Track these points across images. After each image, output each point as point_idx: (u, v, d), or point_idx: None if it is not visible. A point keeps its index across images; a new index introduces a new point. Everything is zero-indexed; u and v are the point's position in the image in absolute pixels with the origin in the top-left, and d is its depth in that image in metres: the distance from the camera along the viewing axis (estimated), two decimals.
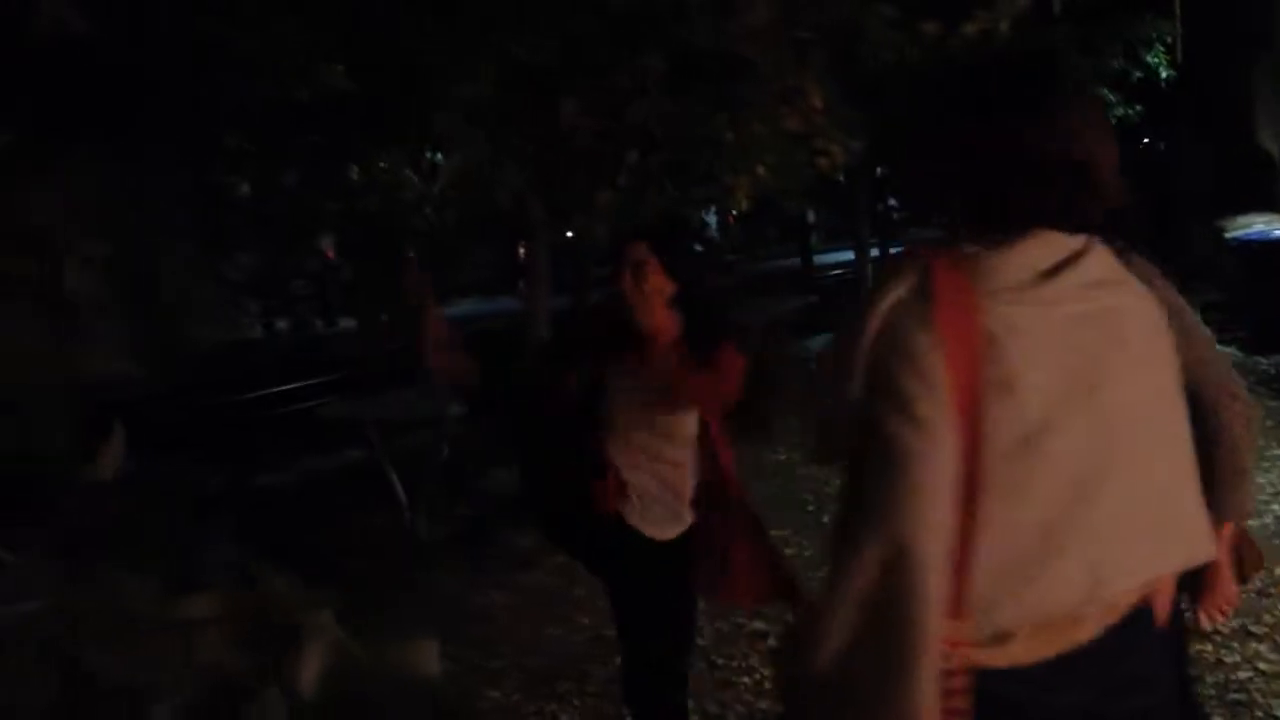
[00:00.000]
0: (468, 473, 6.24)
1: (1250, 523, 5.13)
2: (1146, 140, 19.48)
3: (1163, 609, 1.49)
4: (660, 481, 2.86)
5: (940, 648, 1.27)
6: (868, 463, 1.32)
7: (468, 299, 24.56)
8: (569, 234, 9.04)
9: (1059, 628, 1.36)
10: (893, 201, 13.68)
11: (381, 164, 6.52)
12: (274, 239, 8.00)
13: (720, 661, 4.20)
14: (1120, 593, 1.38)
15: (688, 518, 2.91)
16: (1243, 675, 3.64)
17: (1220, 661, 3.74)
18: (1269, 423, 7.07)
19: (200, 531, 4.06)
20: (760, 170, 6.01)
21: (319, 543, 5.49)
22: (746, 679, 4.03)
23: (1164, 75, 12.92)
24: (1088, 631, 1.37)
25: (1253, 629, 3.98)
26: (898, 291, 1.36)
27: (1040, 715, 1.37)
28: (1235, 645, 3.86)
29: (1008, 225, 1.39)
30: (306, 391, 9.38)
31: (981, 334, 1.31)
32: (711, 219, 13.29)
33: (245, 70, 3.47)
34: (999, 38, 5.48)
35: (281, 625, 2.90)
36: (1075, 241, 1.40)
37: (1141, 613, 1.43)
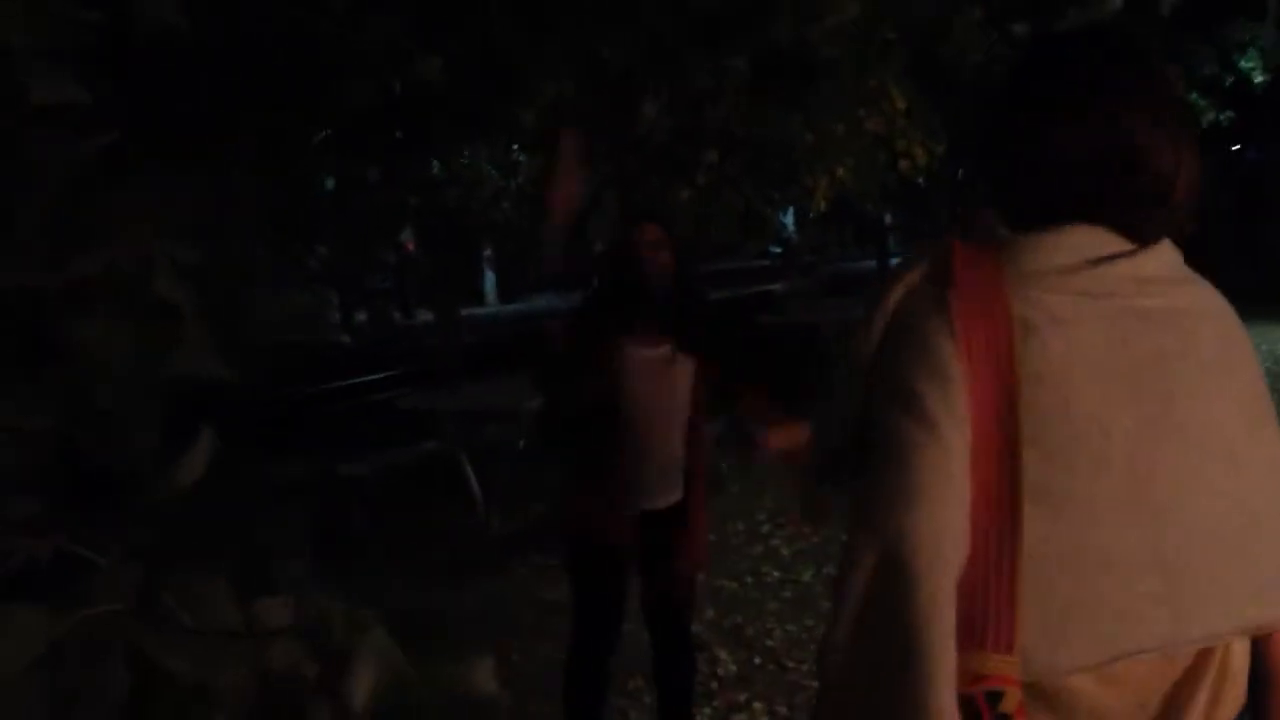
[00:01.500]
0: (543, 466, 6.29)
1: None
2: (1237, 147, 18.98)
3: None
4: (667, 451, 3.07)
5: (988, 689, 1.11)
6: (868, 461, 1.19)
7: (543, 294, 24.72)
8: None
9: (1121, 675, 1.15)
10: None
11: (463, 159, 6.60)
12: (355, 232, 8.14)
13: (790, 664, 4.20)
14: (1207, 638, 1.17)
15: (681, 487, 3.13)
16: None
17: None
18: None
19: (276, 532, 4.15)
20: (840, 172, 5.98)
21: (395, 535, 5.59)
22: (817, 683, 4.01)
23: (1258, 80, 12.57)
24: (1156, 683, 1.17)
25: None
26: (912, 277, 1.24)
27: None
28: None
29: (1050, 217, 1.23)
30: (384, 383, 9.54)
31: (1013, 323, 1.16)
32: (789, 219, 13.21)
33: (342, 66, 3.53)
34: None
35: (338, 639, 2.97)
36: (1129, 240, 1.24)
37: (1220, 662, 1.20)
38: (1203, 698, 1.18)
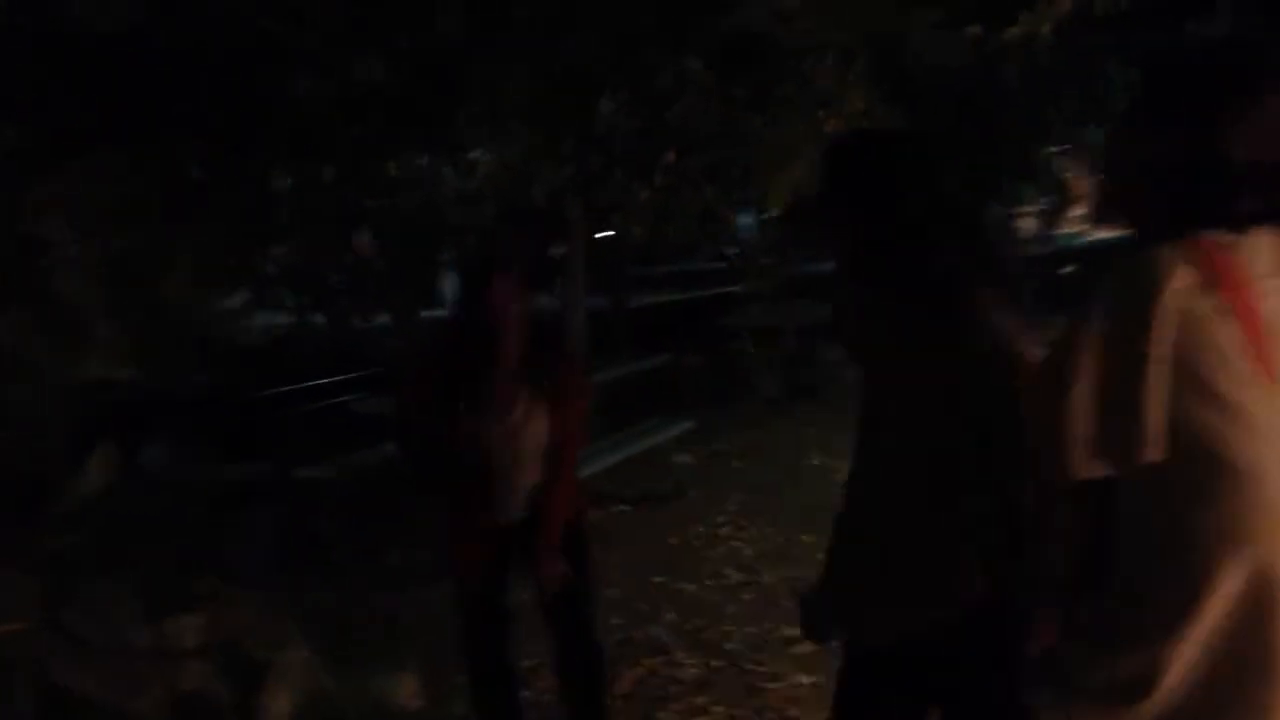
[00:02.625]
0: None
1: None
2: None
3: None
4: (524, 480, 3.15)
5: None
6: (1190, 475, 1.20)
7: None
8: (607, 233, 9.05)
9: None
10: None
11: (420, 161, 6.54)
12: (312, 234, 8.05)
13: (750, 667, 4.19)
14: None
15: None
16: None
17: None
18: None
19: (216, 537, 4.09)
20: (797, 173, 5.98)
21: (357, 538, 5.52)
22: (777, 685, 4.01)
23: None
24: None
25: None
26: (1179, 280, 1.23)
27: None
28: None
29: (1237, 223, 1.28)
30: (344, 386, 9.46)
31: (1271, 320, 1.22)
32: (749, 220, 13.21)
33: (281, 65, 3.48)
34: (1042, 41, 5.43)
35: (255, 657, 2.92)
36: None
37: None
38: None
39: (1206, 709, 1.17)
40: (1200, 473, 1.19)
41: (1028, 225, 23.56)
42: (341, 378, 10.40)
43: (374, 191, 6.90)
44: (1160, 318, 1.21)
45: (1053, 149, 14.15)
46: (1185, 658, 1.16)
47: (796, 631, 4.39)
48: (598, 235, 8.89)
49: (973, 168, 11.60)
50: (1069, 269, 22.78)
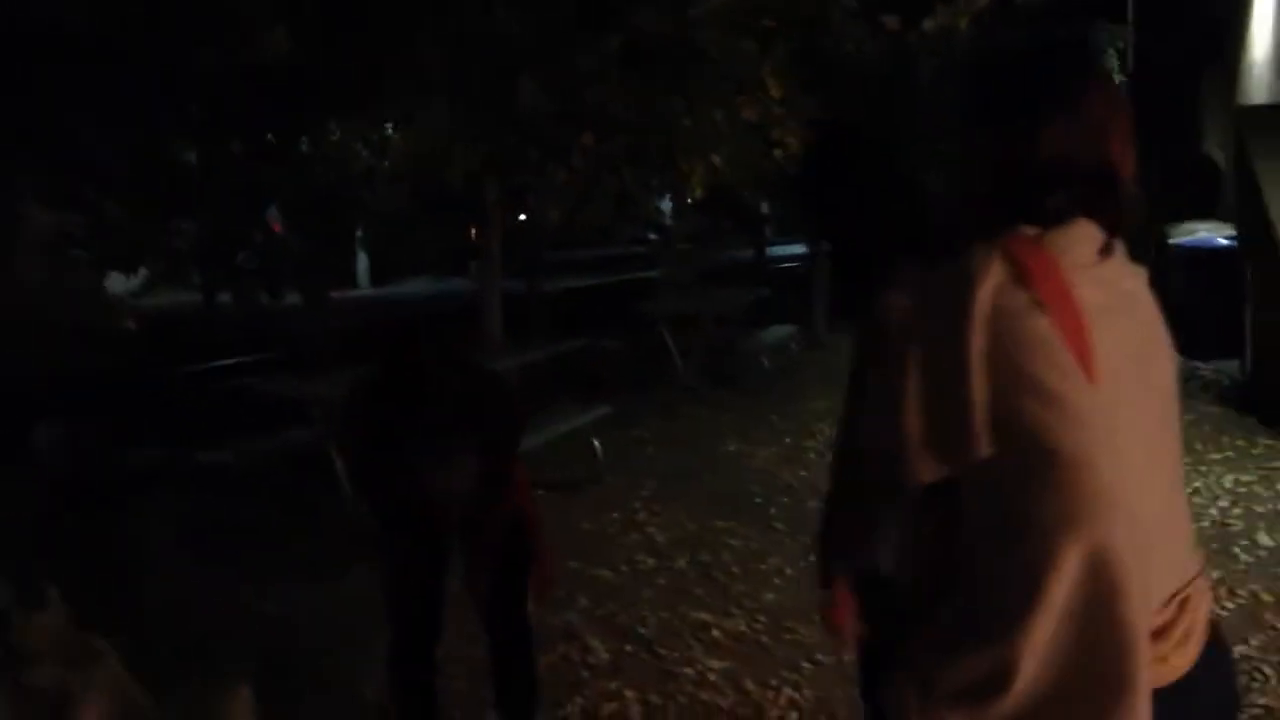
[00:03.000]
0: None
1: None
2: None
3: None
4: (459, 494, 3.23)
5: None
6: (1020, 467, 1.22)
7: (419, 279, 24.25)
8: (521, 217, 8.96)
9: (1177, 623, 1.29)
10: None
11: (332, 136, 6.39)
12: (219, 209, 7.82)
13: (663, 652, 4.18)
14: (1194, 574, 1.33)
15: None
16: None
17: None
18: (1205, 428, 7.19)
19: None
20: (716, 159, 5.98)
21: (259, 525, 5.38)
22: (689, 669, 4.01)
23: (1117, 81, 13.09)
24: (1198, 632, 1.31)
25: None
26: (992, 278, 1.26)
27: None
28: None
29: (1048, 219, 1.32)
30: (249, 367, 9.22)
31: (1083, 308, 1.26)
32: (666, 206, 13.21)
33: (185, 34, 3.36)
34: (958, 34, 5.50)
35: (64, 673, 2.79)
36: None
37: (1218, 626, 1.39)
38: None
39: (1062, 695, 1.20)
40: (1031, 463, 1.22)
41: None
42: (248, 359, 10.17)
43: (284, 167, 6.72)
44: (974, 315, 1.23)
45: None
46: (1036, 648, 1.19)
47: (709, 616, 4.46)
48: (516, 219, 8.81)
49: (888, 162, 11.77)
50: None
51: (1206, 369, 9.11)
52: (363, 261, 26.03)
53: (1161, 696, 1.22)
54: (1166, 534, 1.29)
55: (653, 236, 20.57)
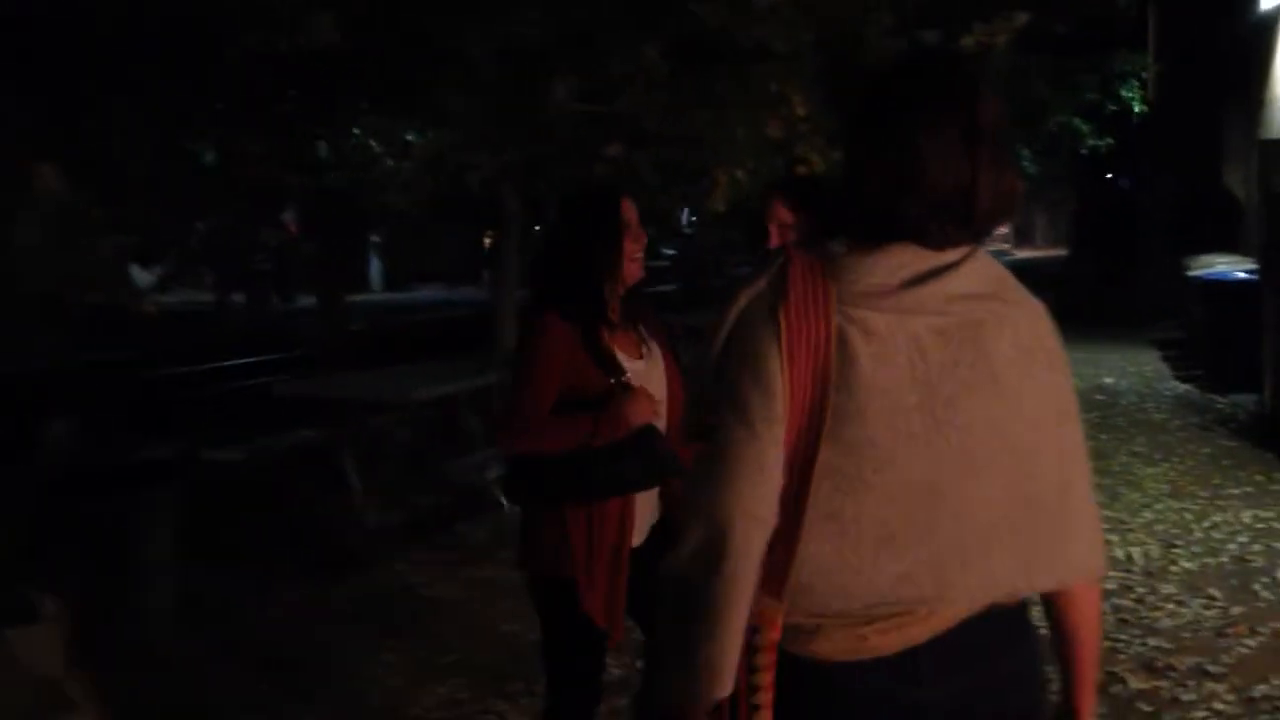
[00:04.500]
0: (429, 460, 6.11)
1: (1207, 560, 5.16)
2: (1111, 175, 19.69)
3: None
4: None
5: (749, 624, 1.36)
6: (703, 448, 1.41)
7: (429, 285, 24.28)
8: (538, 227, 8.93)
9: (901, 620, 1.40)
10: None
11: (353, 138, 6.36)
12: (235, 208, 7.81)
13: None
14: (970, 601, 1.41)
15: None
16: (1198, 715, 3.61)
17: (1175, 700, 3.71)
18: (1224, 462, 7.11)
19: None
20: (740, 174, 5.94)
21: (266, 525, 5.34)
22: None
23: (1136, 110, 13.05)
24: (936, 626, 1.41)
25: (1210, 668, 3.96)
26: (757, 288, 1.41)
27: (903, 707, 1.41)
28: (1191, 684, 3.84)
29: (878, 234, 1.41)
30: (261, 368, 9.17)
31: (832, 335, 1.36)
32: (683, 218, 13.22)
33: (230, 21, 3.31)
34: (996, 51, 5.46)
35: None
36: (951, 254, 1.41)
37: (1013, 613, 1.47)
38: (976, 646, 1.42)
39: (678, 619, 1.39)
40: (708, 452, 1.40)
41: None
42: (266, 358, 10.14)
43: (302, 169, 6.70)
44: (726, 319, 1.41)
45: None
46: (674, 576, 1.39)
47: None
48: (534, 228, 8.77)
49: None
50: None
51: (1223, 402, 9.03)
52: (375, 266, 26.10)
53: (863, 666, 1.40)
54: (952, 547, 1.38)
55: (670, 252, 20.56)
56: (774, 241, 2.78)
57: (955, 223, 1.40)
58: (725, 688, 1.35)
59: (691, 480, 1.45)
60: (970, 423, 1.38)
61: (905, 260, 1.40)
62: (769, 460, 1.36)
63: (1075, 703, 1.58)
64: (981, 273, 1.43)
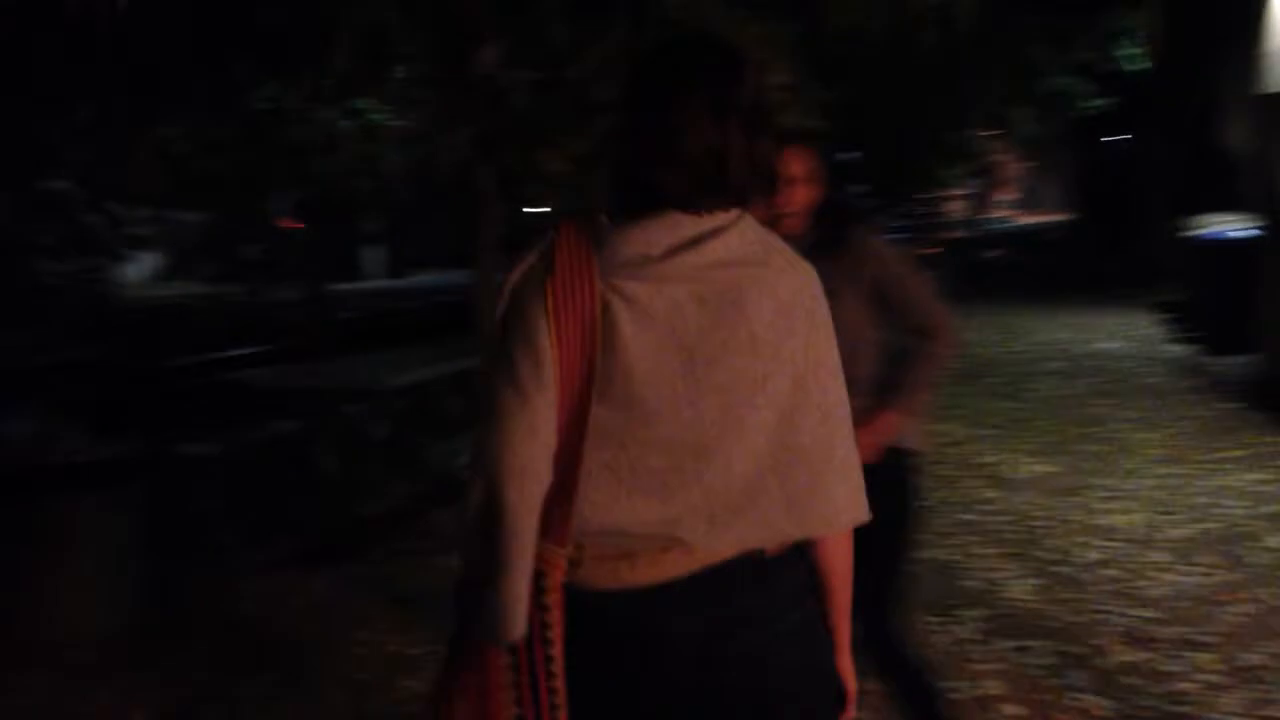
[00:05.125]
0: (406, 449, 6.03)
1: (1199, 526, 5.06)
2: (1107, 138, 19.47)
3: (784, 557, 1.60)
4: None
5: (536, 569, 1.48)
6: (483, 412, 1.52)
7: (425, 270, 24.19)
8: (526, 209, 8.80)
9: (659, 557, 1.52)
10: (856, 187, 13.56)
11: (321, 115, 6.23)
12: (218, 198, 7.72)
13: None
14: (740, 543, 1.53)
15: None
16: (1185, 685, 3.52)
17: (1162, 672, 3.62)
18: (1221, 425, 7.00)
19: None
20: None
21: (243, 517, 5.27)
22: None
23: (1132, 69, 12.84)
24: (692, 564, 1.52)
25: (1196, 638, 3.87)
26: (529, 263, 1.53)
27: (651, 633, 1.53)
28: (1178, 654, 3.75)
29: (639, 206, 1.51)
30: (241, 360, 9.10)
31: (596, 304, 1.47)
32: None
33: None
34: (962, 8, 5.31)
35: None
36: (710, 221, 1.52)
37: (775, 560, 1.58)
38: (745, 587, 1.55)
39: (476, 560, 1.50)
40: (487, 406, 1.52)
41: (956, 208, 23.77)
42: (243, 351, 10.07)
43: (278, 153, 6.59)
44: (505, 288, 1.54)
45: (979, 132, 14.20)
46: (471, 519, 1.51)
47: None
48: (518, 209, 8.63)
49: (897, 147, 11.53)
50: (994, 253, 23.01)
51: (1222, 365, 8.91)
52: (380, 254, 26.01)
53: (623, 594, 1.52)
54: (717, 496, 1.50)
55: None
56: (788, 201, 2.64)
57: (712, 190, 1.50)
58: (517, 628, 1.47)
59: (474, 441, 1.53)
60: (731, 382, 1.50)
61: (665, 230, 1.51)
62: (540, 422, 1.48)
63: (835, 641, 1.71)
64: (744, 239, 1.54)
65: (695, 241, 1.50)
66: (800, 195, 2.68)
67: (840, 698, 1.73)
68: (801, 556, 1.63)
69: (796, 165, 2.67)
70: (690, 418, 1.49)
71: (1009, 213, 35.85)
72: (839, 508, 1.58)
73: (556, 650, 1.50)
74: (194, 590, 4.58)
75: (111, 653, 4.02)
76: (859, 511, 1.60)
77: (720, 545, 1.52)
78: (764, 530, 1.54)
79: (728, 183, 1.51)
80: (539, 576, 1.48)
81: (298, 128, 6.51)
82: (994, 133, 15.32)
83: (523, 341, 1.49)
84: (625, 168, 1.55)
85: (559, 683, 1.50)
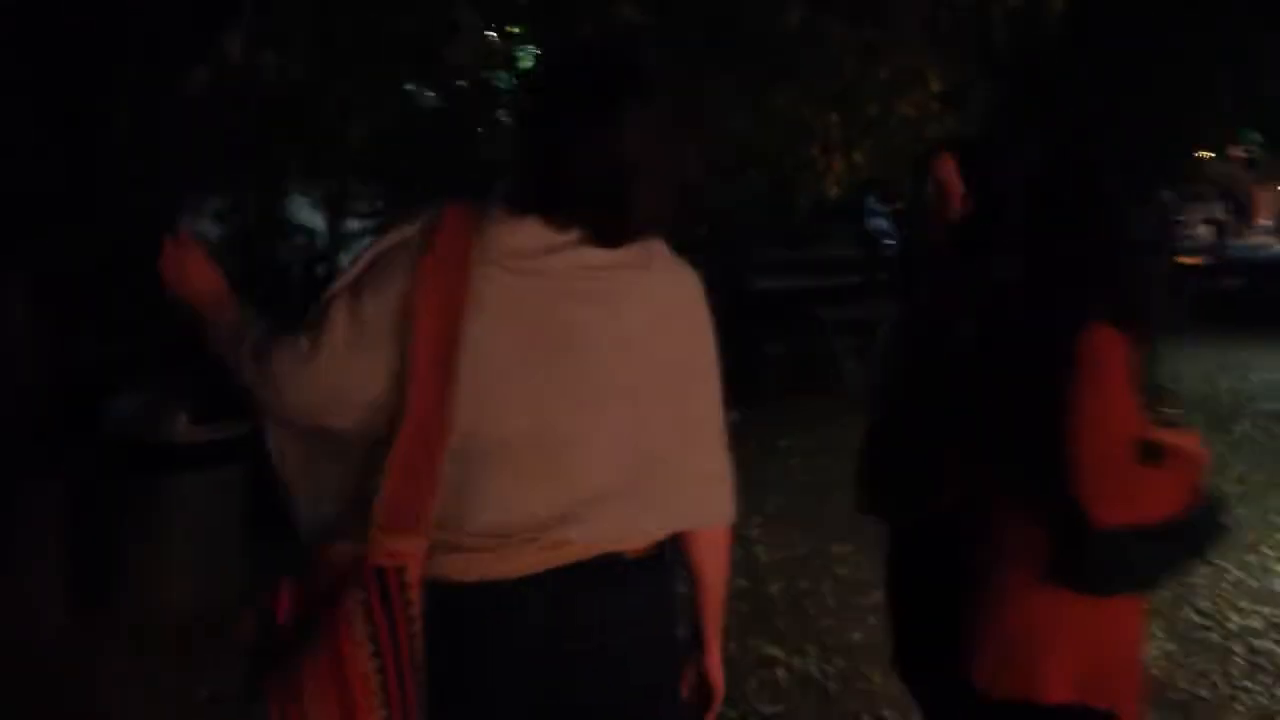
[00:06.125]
0: None
1: None
2: None
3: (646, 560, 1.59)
4: None
5: (395, 564, 1.46)
6: (298, 339, 1.55)
7: None
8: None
9: (513, 551, 1.50)
10: None
11: None
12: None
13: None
14: (595, 539, 1.53)
15: None
16: None
17: None
18: None
19: None
20: (857, 156, 5.53)
21: None
22: (731, 712, 3.67)
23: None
24: (550, 561, 1.51)
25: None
26: (406, 234, 1.52)
27: (501, 628, 1.52)
28: None
29: (530, 205, 1.50)
30: None
31: (467, 289, 1.47)
32: (877, 207, 12.71)
33: None
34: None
35: None
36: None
37: (621, 562, 1.56)
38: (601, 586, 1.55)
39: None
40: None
41: (1201, 233, 21.98)
42: None
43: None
44: (373, 252, 1.54)
45: (1209, 154, 13.00)
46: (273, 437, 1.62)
47: (779, 652, 4.07)
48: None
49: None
50: (1235, 282, 21.08)
51: None
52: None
53: (479, 587, 1.51)
54: (577, 490, 1.51)
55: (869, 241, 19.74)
56: (941, 212, 2.37)
57: (600, 205, 1.49)
58: None
59: (277, 352, 1.56)
60: (598, 380, 1.51)
61: (550, 230, 1.50)
62: (320, 378, 1.51)
63: (703, 642, 1.73)
64: (627, 248, 1.54)
65: (578, 243, 1.51)
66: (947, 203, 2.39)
67: (706, 699, 1.76)
68: (671, 565, 1.63)
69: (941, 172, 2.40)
70: (553, 413, 1.49)
71: (1266, 239, 32.98)
72: (701, 508, 1.61)
73: (419, 644, 1.46)
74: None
75: (208, 631, 4.15)
76: (719, 512, 1.63)
77: (578, 539, 1.52)
78: (623, 525, 1.55)
79: (619, 199, 1.49)
80: (399, 571, 1.45)
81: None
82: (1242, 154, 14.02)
83: (363, 301, 1.49)
84: (522, 166, 1.54)
85: (421, 676, 1.46)
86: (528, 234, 1.50)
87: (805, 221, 8.86)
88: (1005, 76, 6.02)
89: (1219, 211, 24.78)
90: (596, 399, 1.51)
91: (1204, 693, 3.71)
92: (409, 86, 4.57)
